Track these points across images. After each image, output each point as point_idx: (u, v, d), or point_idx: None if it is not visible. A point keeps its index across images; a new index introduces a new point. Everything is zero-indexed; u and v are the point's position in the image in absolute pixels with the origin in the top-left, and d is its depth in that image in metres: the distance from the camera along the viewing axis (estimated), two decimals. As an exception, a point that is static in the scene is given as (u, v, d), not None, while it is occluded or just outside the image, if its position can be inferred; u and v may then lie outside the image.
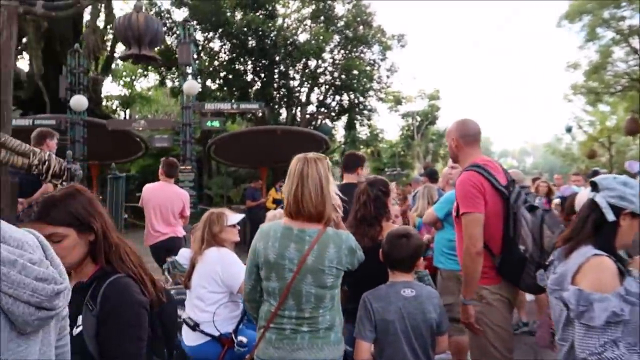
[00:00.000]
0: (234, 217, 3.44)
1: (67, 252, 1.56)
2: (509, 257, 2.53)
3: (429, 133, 32.98)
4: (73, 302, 1.66)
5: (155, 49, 5.92)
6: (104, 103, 22.90)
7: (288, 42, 17.16)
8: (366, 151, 31.65)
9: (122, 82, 25.04)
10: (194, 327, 3.13)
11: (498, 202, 2.54)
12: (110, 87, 27.37)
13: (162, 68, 18.25)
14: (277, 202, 11.43)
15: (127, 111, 25.58)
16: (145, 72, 19.90)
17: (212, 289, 3.15)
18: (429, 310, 2.30)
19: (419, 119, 32.71)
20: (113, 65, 23.69)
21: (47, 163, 3.18)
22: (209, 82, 18.22)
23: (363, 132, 26.04)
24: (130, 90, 25.52)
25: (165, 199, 5.58)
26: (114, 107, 25.07)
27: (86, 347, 1.49)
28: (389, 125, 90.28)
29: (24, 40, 14.76)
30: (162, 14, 17.76)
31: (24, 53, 15.81)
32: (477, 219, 2.50)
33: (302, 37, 18.11)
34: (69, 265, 1.61)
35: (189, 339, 3.18)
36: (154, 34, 5.33)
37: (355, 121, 21.05)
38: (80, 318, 1.53)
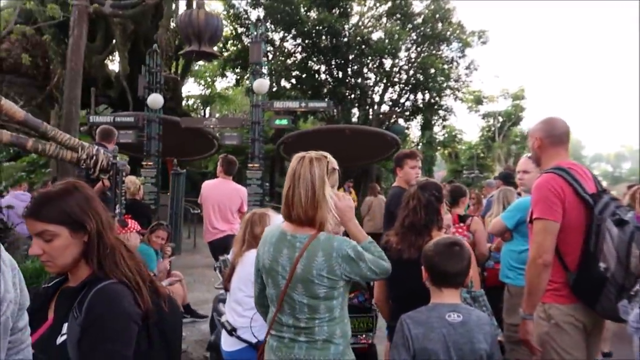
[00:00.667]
0: (278, 218, 3.27)
1: (58, 252, 1.44)
2: (586, 274, 2.26)
3: (512, 134, 31.24)
4: (60, 307, 1.55)
5: (215, 46, 5.93)
6: (185, 102, 24.01)
7: (362, 40, 16.87)
8: (443, 152, 30.66)
9: (202, 82, 26.06)
10: (231, 331, 3.00)
11: (581, 211, 2.31)
12: (192, 87, 28.58)
13: (239, 68, 18.70)
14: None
15: (207, 110, 26.62)
16: (224, 72, 20.46)
17: (250, 292, 2.99)
18: (478, 339, 1.94)
19: (501, 119, 31.11)
20: (196, 67, 24.77)
21: (94, 157, 3.18)
22: (282, 82, 18.42)
23: (440, 132, 25.19)
24: (210, 90, 26.52)
25: (223, 196, 5.57)
26: (195, 106, 26.18)
27: (68, 358, 1.36)
28: (468, 126, 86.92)
29: (113, 42, 15.71)
30: (240, 15, 18.20)
31: (114, 54, 16.84)
32: (550, 228, 2.29)
33: (377, 36, 17.74)
34: (61, 267, 1.48)
35: (226, 343, 3.05)
36: (214, 31, 5.32)
37: (432, 121, 20.33)
38: (65, 326, 1.40)
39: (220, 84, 25.78)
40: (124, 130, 10.42)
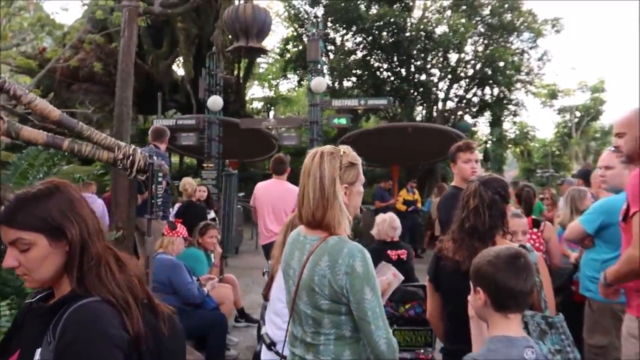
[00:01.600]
0: None
1: (36, 264, 1.23)
2: None
3: (591, 130, 29.04)
4: (31, 329, 1.34)
5: (263, 41, 5.76)
6: (250, 105, 24.41)
7: (425, 35, 16.22)
8: (515, 151, 29.04)
9: (265, 84, 26.44)
10: (270, 345, 2.75)
11: None
12: (256, 90, 29.10)
13: (300, 69, 18.64)
14: (408, 204, 10.74)
15: (272, 112, 26.95)
16: (286, 74, 20.54)
17: None
18: None
19: (578, 114, 29.02)
20: (260, 69, 25.14)
21: (131, 157, 3.05)
22: (344, 82, 18.13)
23: (511, 130, 23.85)
24: (274, 92, 26.82)
25: (276, 197, 5.37)
26: (259, 109, 26.58)
27: None
28: (541, 122, 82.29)
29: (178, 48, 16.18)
30: (301, 15, 18.14)
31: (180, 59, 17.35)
32: None
33: (441, 30, 17.00)
34: (40, 282, 1.27)
35: (266, 356, 2.81)
36: (262, 25, 5.15)
37: (502, 117, 19.21)
38: (38, 352, 1.19)
39: (283, 86, 26.02)
40: (186, 132, 10.62)
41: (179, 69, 18.49)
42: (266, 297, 2.95)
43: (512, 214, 3.11)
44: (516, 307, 1.59)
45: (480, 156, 3.23)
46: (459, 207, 2.21)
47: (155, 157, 3.26)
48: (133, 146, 3.13)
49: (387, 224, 4.16)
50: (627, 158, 2.34)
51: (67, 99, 16.05)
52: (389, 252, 4.09)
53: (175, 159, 18.89)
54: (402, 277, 2.49)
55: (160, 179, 3.19)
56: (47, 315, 1.21)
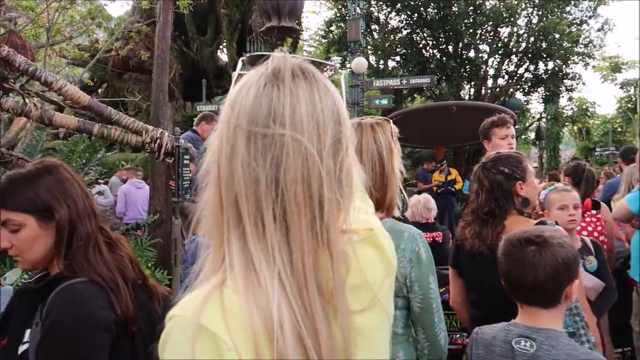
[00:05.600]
0: None
1: (26, 245, 1.23)
2: None
3: (658, 104, 27.05)
4: (20, 310, 1.36)
5: (297, 20, 5.65)
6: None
7: (474, 8, 15.52)
8: (572, 129, 27.54)
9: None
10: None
11: None
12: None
13: (344, 50, 18.39)
14: (440, 185, 10.46)
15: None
16: (329, 55, 20.34)
17: None
18: None
19: (644, 88, 27.12)
20: (303, 53, 25.03)
21: (158, 141, 3.08)
22: (389, 62, 17.73)
23: (568, 106, 22.59)
24: (318, 75, 26.66)
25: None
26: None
27: None
28: (603, 97, 77.51)
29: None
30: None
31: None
32: None
33: (491, 3, 16.21)
34: (31, 262, 1.27)
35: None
36: (294, 4, 5.06)
37: (558, 93, 18.19)
38: (28, 333, 1.19)
39: (328, 68, 25.79)
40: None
41: (223, 55, 18.71)
42: None
43: (561, 188, 2.89)
44: (524, 300, 1.48)
45: (513, 132, 3.02)
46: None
47: (182, 141, 3.28)
48: (160, 129, 3.16)
49: (422, 205, 4.03)
50: None
51: (118, 88, 16.65)
52: (423, 234, 3.96)
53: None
54: None
55: (187, 162, 3.21)
56: (37, 296, 1.22)
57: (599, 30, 17.55)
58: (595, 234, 3.33)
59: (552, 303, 1.42)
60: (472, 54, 16.98)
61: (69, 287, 1.18)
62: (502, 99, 17.11)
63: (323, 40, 20.60)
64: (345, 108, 0.77)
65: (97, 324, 1.16)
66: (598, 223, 3.46)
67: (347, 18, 16.12)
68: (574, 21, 17.08)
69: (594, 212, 3.58)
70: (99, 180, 6.08)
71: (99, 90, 17.72)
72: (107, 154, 6.37)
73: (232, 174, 0.67)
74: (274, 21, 5.16)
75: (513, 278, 1.45)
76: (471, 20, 15.72)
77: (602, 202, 3.76)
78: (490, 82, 17.61)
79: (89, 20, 12.60)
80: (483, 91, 17.15)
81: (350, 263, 0.70)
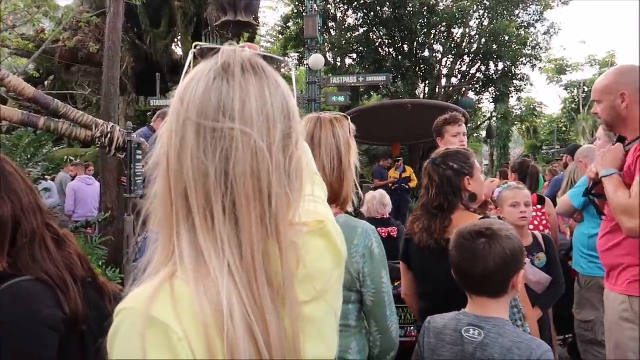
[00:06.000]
0: None
1: None
2: None
3: (599, 105, 28.52)
4: None
5: (252, 15, 5.61)
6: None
7: (428, 9, 15.86)
8: (520, 128, 28.66)
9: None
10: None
11: None
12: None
13: (301, 47, 18.38)
14: (395, 182, 10.66)
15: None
16: (286, 52, 20.28)
17: None
18: None
19: (586, 89, 28.52)
20: (261, 48, 24.78)
21: (109, 135, 2.99)
22: (345, 60, 17.86)
23: (517, 106, 23.51)
24: (275, 71, 26.51)
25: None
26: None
27: None
28: (549, 98, 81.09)
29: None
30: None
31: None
32: None
33: (444, 3, 16.62)
34: None
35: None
36: (250, -1, 5.04)
37: (507, 93, 18.88)
38: None
39: (286, 65, 25.66)
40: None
41: (178, 49, 18.31)
42: None
43: (514, 186, 3.04)
44: (473, 290, 1.53)
45: (464, 129, 3.12)
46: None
47: (135, 136, 3.20)
48: (111, 124, 3.07)
49: (378, 200, 4.10)
50: (606, 126, 2.25)
51: (66, 81, 15.98)
52: (379, 229, 4.02)
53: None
54: None
55: (139, 157, 3.13)
56: None
57: (545, 33, 18.35)
58: (541, 227, 3.53)
59: (500, 293, 1.48)
60: (426, 53, 17.37)
61: (13, 286, 1.13)
62: (455, 97, 17.60)
63: (280, 37, 20.51)
64: (296, 104, 0.77)
65: (42, 323, 1.12)
66: (543, 217, 3.67)
67: (305, 15, 16.13)
68: (522, 24, 17.77)
69: (539, 207, 3.79)
70: (46, 177, 5.81)
71: (46, 83, 16.93)
72: (55, 149, 6.10)
73: (181, 167, 0.67)
74: (229, 15, 5.10)
75: (464, 269, 1.50)
76: (425, 20, 16.06)
77: (546, 198, 3.98)
78: (444, 82, 18.07)
79: (34, 9, 12.02)
80: (437, 90, 17.58)
81: (299, 254, 0.72)
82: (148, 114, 13.38)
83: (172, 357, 0.61)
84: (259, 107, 0.69)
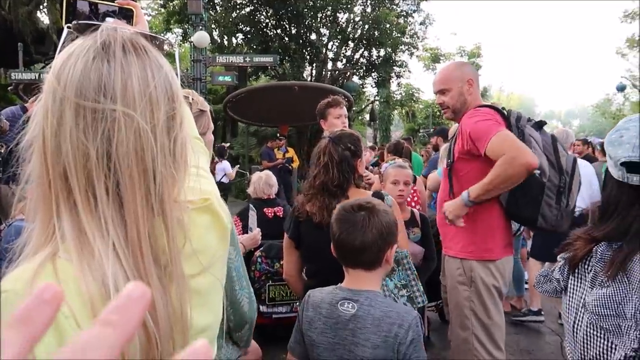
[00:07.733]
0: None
1: None
2: (522, 187, 2.16)
3: (467, 92, 31.25)
4: None
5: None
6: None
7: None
8: (401, 112, 30.40)
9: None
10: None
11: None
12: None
13: (185, 23, 17.58)
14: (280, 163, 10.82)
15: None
16: (170, 27, 19.24)
17: None
18: (364, 342, 1.47)
19: (457, 77, 31.01)
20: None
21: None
22: (233, 39, 17.47)
23: (397, 91, 24.86)
24: (158, 47, 25.00)
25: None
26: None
27: None
28: (426, 85, 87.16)
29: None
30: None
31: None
32: (512, 135, 2.20)
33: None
34: None
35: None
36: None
37: (389, 78, 19.90)
38: None
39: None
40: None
41: (44, 17, 16.50)
42: None
43: (398, 164, 3.29)
44: (351, 263, 1.63)
45: (345, 112, 3.29)
46: (312, 164, 2.24)
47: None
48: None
49: (264, 181, 4.14)
50: (453, 113, 2.54)
51: None
52: (265, 209, 4.10)
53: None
54: None
55: None
56: None
57: (421, 23, 19.58)
58: (413, 203, 3.88)
59: (374, 265, 1.58)
60: (313, 37, 17.62)
61: None
62: (340, 81, 18.15)
63: (162, 10, 19.39)
64: (179, 85, 0.78)
65: None
66: (414, 194, 4.04)
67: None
68: (402, 13, 18.77)
69: (413, 185, 4.17)
70: None
71: None
72: None
73: (58, 147, 0.66)
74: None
75: (344, 241, 1.57)
76: (311, 3, 16.26)
77: (416, 176, 4.39)
78: (330, 65, 18.53)
79: None
80: (323, 73, 17.98)
81: (186, 231, 0.74)
82: (9, 88, 11.95)
83: (59, 335, 0.60)
84: (141, 89, 0.69)
